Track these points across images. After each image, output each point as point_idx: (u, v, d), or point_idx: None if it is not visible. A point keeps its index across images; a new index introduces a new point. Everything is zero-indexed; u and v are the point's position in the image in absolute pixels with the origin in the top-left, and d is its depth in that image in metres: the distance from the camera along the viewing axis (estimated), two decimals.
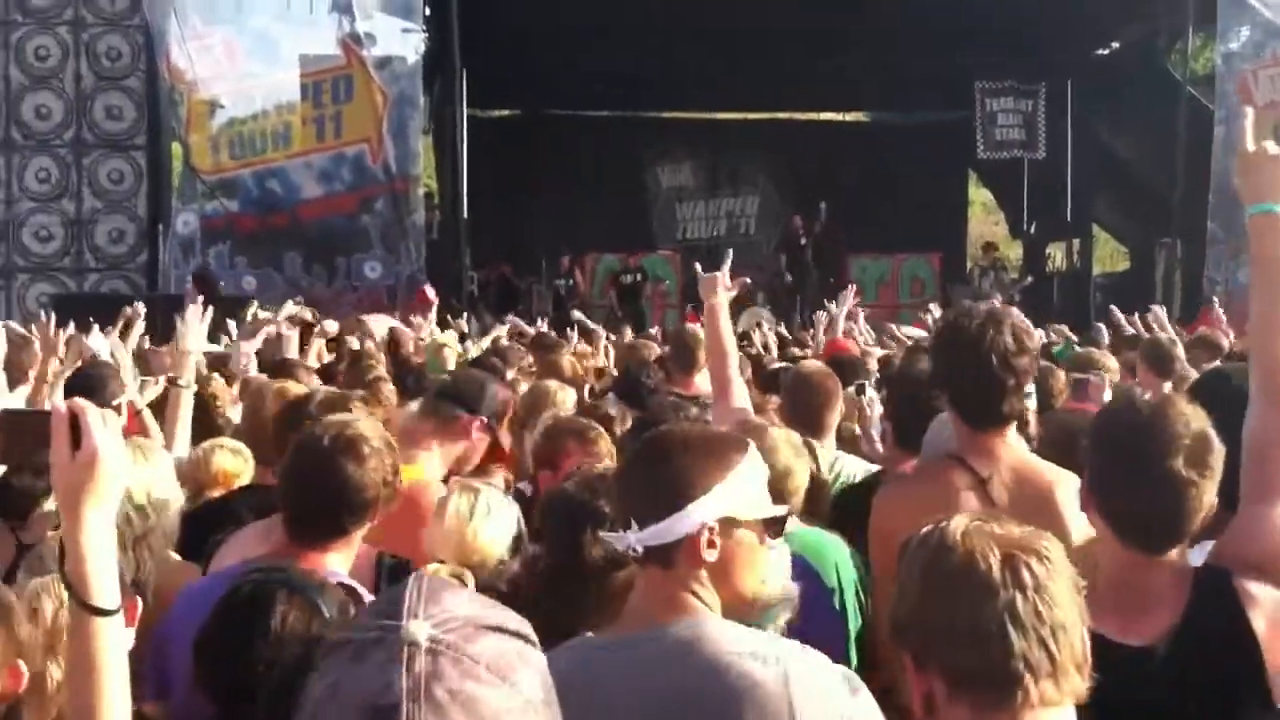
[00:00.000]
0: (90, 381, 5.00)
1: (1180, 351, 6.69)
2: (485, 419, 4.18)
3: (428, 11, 17.48)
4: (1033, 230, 23.37)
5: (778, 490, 3.19)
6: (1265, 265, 2.78)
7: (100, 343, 6.34)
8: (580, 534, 2.68)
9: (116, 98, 17.42)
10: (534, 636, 1.37)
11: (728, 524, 2.21)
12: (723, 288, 4.71)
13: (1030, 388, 3.36)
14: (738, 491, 2.23)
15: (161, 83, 17.11)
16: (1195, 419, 2.52)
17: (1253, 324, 2.83)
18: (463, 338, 11.24)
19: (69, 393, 4.47)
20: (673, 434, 2.32)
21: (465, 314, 15.24)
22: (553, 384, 5.49)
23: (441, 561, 3.18)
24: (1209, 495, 2.49)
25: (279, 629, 2.36)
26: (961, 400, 3.27)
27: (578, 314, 13.25)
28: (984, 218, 27.39)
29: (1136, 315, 9.85)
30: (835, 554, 3.37)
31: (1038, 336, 3.54)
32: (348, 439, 3.02)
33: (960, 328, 3.25)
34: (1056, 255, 23.32)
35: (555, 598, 2.62)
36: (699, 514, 2.18)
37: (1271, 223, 2.77)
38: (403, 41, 17.35)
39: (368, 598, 2.73)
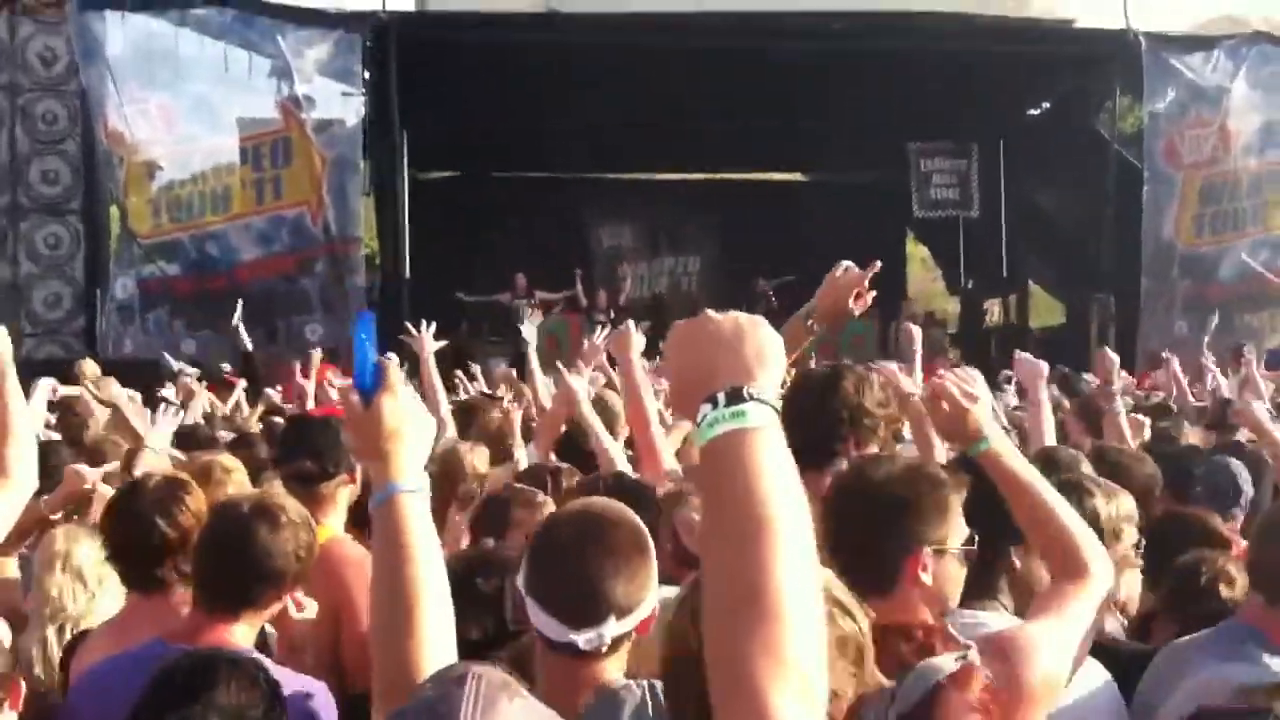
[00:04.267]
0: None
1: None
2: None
3: (367, 75, 17.56)
4: (970, 286, 23.74)
5: None
6: (1014, 488, 2.76)
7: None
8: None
9: (53, 162, 17.31)
10: None
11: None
12: (635, 344, 4.69)
13: None
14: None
15: (99, 147, 17.02)
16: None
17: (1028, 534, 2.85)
18: None
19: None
20: None
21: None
22: (462, 446, 5.45)
23: None
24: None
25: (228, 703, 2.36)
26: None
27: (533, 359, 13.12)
28: (922, 274, 27.75)
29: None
30: None
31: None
32: (265, 506, 3.05)
33: None
34: (994, 311, 23.66)
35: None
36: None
37: (992, 455, 2.76)
38: (342, 105, 17.39)
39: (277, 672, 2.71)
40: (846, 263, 3.74)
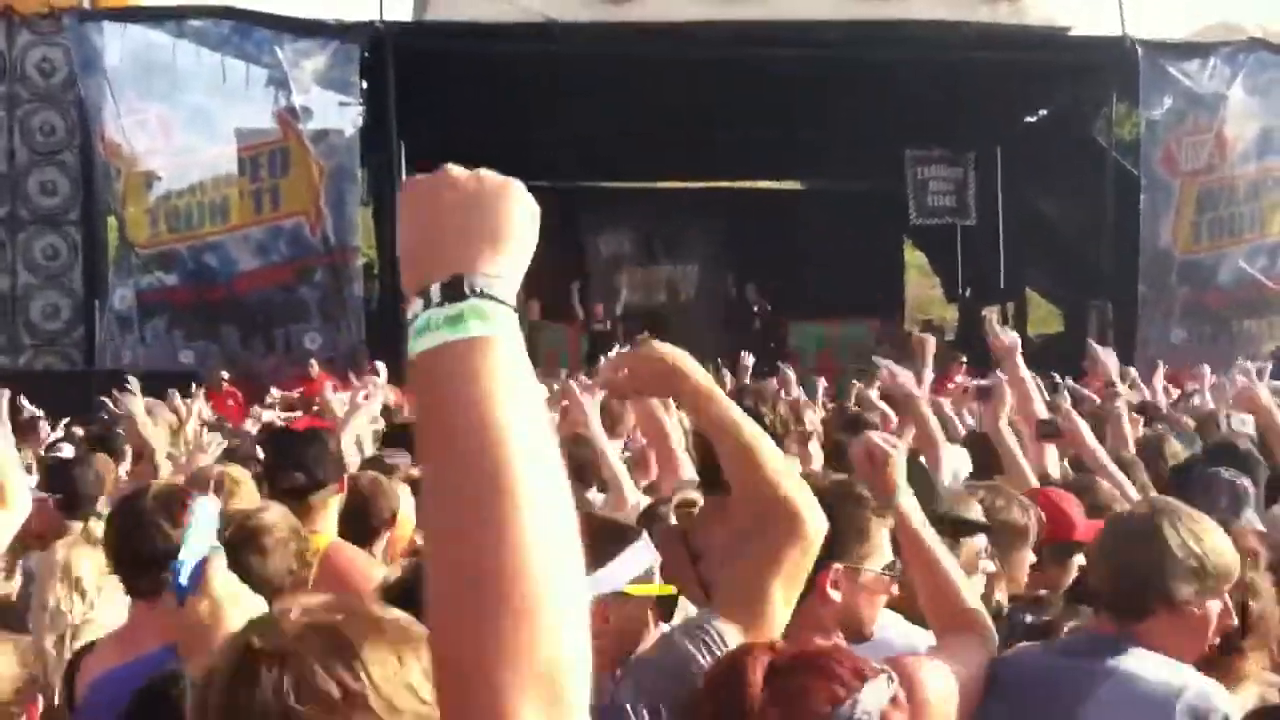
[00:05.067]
0: None
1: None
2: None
3: (364, 85, 17.56)
4: (967, 294, 23.75)
5: None
6: (913, 544, 2.83)
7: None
8: None
9: (51, 173, 17.34)
10: None
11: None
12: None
13: None
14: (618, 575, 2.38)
15: (97, 157, 17.03)
16: None
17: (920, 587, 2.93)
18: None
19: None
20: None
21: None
22: None
23: None
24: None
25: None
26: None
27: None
28: (920, 281, 27.71)
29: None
30: None
31: None
32: (250, 530, 3.02)
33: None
34: (991, 319, 23.63)
35: None
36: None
37: (900, 512, 2.81)
38: (340, 114, 17.39)
39: None
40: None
